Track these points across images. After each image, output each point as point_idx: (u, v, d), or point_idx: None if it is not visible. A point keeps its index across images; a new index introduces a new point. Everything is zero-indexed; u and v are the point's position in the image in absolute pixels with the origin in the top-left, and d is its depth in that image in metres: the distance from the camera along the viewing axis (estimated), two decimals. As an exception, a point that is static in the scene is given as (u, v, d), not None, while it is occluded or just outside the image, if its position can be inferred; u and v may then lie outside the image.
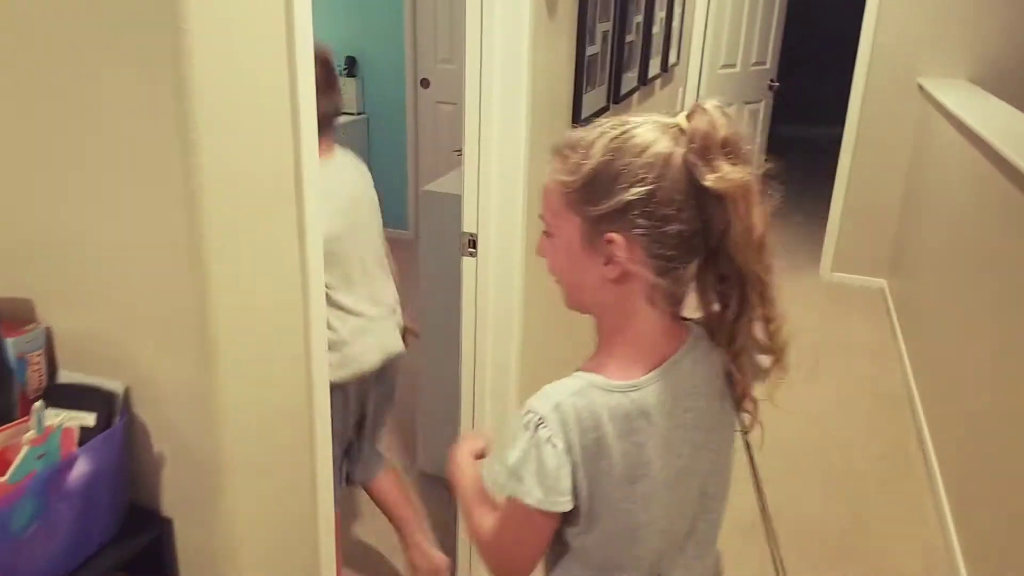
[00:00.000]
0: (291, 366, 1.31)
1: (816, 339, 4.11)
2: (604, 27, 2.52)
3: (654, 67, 3.46)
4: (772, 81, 5.23)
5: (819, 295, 4.74)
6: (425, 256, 2.72)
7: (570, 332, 2.62)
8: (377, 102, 5.18)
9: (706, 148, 0.89)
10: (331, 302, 1.81)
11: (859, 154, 4.70)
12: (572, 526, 0.99)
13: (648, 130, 0.92)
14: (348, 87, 4.84)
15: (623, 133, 0.92)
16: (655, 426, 0.95)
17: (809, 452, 3.16)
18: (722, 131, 0.90)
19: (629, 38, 2.87)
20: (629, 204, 0.90)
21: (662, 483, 0.98)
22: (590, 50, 2.38)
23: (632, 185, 0.90)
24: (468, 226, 2.00)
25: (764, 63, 5.14)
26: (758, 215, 0.90)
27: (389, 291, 2.13)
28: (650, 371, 0.96)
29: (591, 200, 0.92)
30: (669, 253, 0.91)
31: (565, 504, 0.94)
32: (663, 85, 3.99)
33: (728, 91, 4.91)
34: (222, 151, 1.05)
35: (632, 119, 0.94)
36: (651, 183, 0.89)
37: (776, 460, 3.22)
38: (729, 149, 0.90)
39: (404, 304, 2.20)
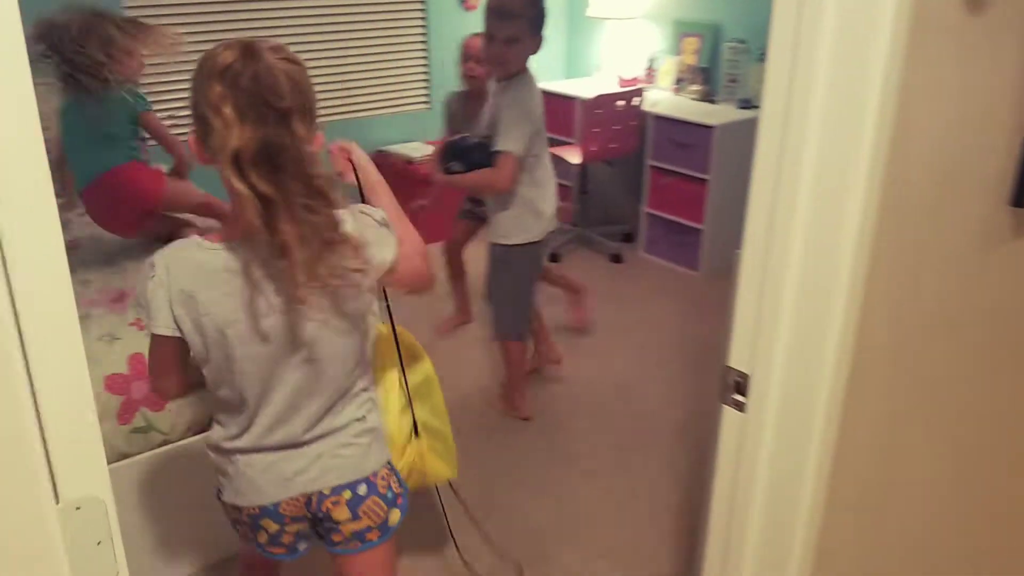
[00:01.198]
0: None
1: None
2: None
3: None
4: None
5: None
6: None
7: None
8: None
9: (208, 73, 1.14)
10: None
11: None
12: (200, 359, 1.33)
13: (223, 45, 1.15)
14: (756, 74, 3.96)
15: (223, 42, 1.15)
16: (235, 281, 1.23)
17: None
18: (226, 60, 1.13)
19: None
20: (189, 105, 1.17)
21: (249, 331, 1.25)
22: (1075, 63, 1.31)
23: (191, 90, 1.16)
24: (736, 359, 1.20)
25: None
26: (230, 138, 1.12)
27: None
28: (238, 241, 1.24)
29: None
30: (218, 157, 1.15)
31: (163, 329, 1.27)
32: None
33: None
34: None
35: (257, 41, 1.17)
36: (191, 93, 1.17)
37: None
38: (228, 81, 1.13)
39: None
